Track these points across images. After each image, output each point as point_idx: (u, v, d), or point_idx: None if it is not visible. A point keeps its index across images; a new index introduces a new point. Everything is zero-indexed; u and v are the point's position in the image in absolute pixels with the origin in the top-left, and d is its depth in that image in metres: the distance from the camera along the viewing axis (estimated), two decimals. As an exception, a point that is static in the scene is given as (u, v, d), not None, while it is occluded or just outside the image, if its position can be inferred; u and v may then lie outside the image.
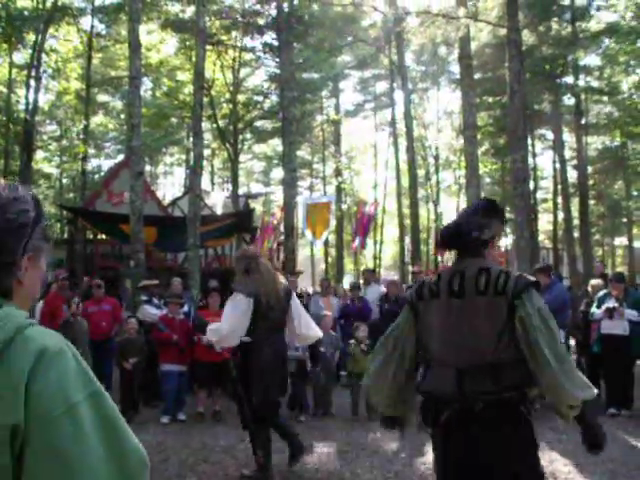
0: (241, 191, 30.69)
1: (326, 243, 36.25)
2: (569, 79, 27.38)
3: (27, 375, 1.10)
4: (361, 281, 14.01)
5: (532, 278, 2.82)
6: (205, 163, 33.59)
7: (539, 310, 2.66)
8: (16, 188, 1.29)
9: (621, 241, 42.11)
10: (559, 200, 31.88)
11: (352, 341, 8.28)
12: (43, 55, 18.66)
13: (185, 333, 8.25)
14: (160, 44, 22.88)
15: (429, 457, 6.15)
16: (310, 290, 19.02)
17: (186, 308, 9.63)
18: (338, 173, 34.82)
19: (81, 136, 21.17)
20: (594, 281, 9.74)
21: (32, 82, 18.40)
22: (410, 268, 22.31)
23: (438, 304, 2.89)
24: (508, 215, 34.42)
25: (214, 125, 23.72)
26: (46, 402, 1.10)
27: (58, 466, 1.07)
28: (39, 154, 22.61)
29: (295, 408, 8.07)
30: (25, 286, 1.27)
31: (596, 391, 2.74)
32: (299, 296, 10.85)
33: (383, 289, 11.82)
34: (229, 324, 5.21)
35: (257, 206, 36.68)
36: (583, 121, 29.58)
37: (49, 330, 1.22)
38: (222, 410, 8.08)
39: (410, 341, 3.01)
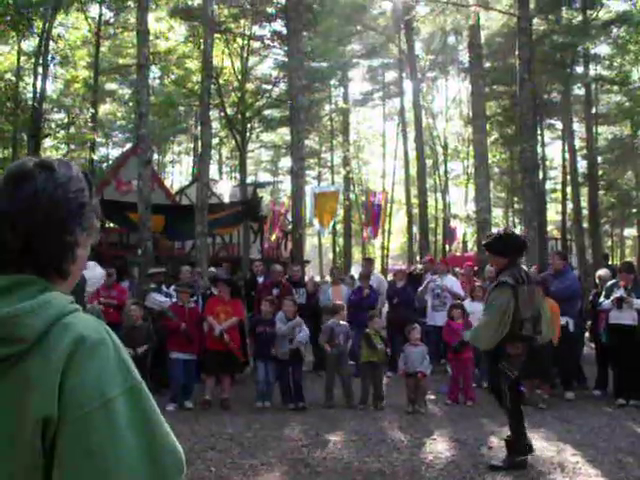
0: (249, 180, 30.67)
1: (334, 232, 36.23)
2: (579, 68, 27.15)
3: (63, 366, 1.05)
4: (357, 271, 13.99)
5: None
6: (213, 152, 33.52)
7: None
8: (69, 165, 1.24)
9: (630, 232, 41.88)
10: (568, 190, 31.72)
11: (368, 330, 8.24)
12: (51, 42, 18.61)
13: (195, 322, 8.26)
14: (168, 32, 22.78)
15: (436, 446, 6.16)
16: (317, 279, 19.00)
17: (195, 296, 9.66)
18: (346, 162, 34.72)
19: (89, 124, 21.15)
20: (601, 271, 9.68)
21: (40, 70, 18.39)
22: (418, 258, 22.24)
23: (527, 288, 5.34)
24: (517, 206, 34.36)
25: (222, 114, 23.60)
26: (80, 396, 1.04)
27: (88, 463, 1.02)
28: (47, 142, 22.59)
29: (287, 395, 8.04)
30: (77, 265, 1.23)
31: None
32: (304, 285, 10.80)
33: (382, 279, 11.79)
34: None
35: (265, 195, 36.69)
36: (593, 111, 29.38)
37: (91, 318, 1.17)
38: (230, 398, 8.09)
39: (512, 310, 5.22)
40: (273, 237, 24.96)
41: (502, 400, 5.50)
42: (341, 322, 8.44)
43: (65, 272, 1.20)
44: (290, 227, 18.89)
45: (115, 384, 1.08)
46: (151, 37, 16.43)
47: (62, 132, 22.10)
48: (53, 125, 21.51)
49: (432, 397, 8.27)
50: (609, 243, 41.61)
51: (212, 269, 12.42)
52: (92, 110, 20.98)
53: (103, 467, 1.03)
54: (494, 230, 5.95)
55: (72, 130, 22.18)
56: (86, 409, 1.04)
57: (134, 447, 1.05)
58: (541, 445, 6.17)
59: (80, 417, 1.04)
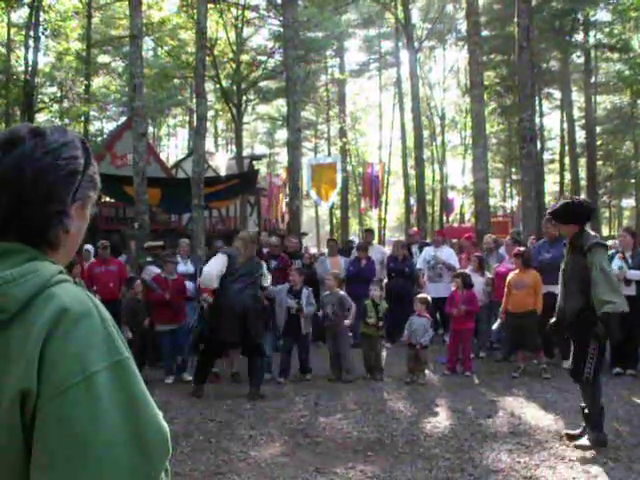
0: (245, 152, 30.48)
1: (331, 204, 36.14)
2: (579, 36, 26.89)
3: (44, 338, 1.01)
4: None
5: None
6: (209, 124, 33.32)
7: None
8: (65, 132, 1.20)
9: (629, 202, 41.86)
10: (566, 161, 31.63)
11: (368, 301, 8.22)
12: (41, 14, 18.31)
13: (178, 293, 8.23)
14: (162, 2, 22.46)
15: (435, 416, 6.19)
16: (314, 250, 18.98)
17: (192, 269, 9.60)
18: (343, 134, 34.53)
19: (83, 97, 20.93)
20: (611, 242, 9.64)
21: (31, 42, 18.13)
22: (415, 230, 22.23)
23: None
24: (514, 176, 34.36)
25: (217, 86, 23.41)
26: (62, 369, 1.01)
27: (68, 438, 0.99)
28: (40, 116, 22.40)
29: (287, 369, 8.02)
30: (71, 236, 1.19)
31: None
32: (301, 256, 10.76)
33: (384, 250, 11.81)
34: (204, 269, 7.28)
35: (261, 167, 36.53)
36: (592, 80, 29.15)
37: (78, 289, 1.12)
38: (239, 372, 8.07)
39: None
40: (278, 213, 24.90)
41: (583, 369, 5.10)
42: (332, 292, 8.31)
43: (52, 242, 1.16)
44: (287, 199, 18.83)
45: (99, 358, 1.04)
46: (144, 7, 16.17)
47: (55, 106, 21.88)
48: (46, 99, 21.29)
49: (430, 367, 8.29)
50: (607, 214, 41.63)
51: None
52: (85, 82, 20.76)
53: (82, 444, 0.99)
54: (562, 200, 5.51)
55: (65, 104, 21.96)
56: (67, 383, 1.00)
57: (116, 424, 1.02)
58: (538, 414, 6.21)
59: (60, 392, 1.00)
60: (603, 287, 4.91)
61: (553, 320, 5.54)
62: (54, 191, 1.13)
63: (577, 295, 5.14)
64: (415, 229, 15.75)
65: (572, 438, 5.31)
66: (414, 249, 11.53)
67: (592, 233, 5.32)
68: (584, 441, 5.11)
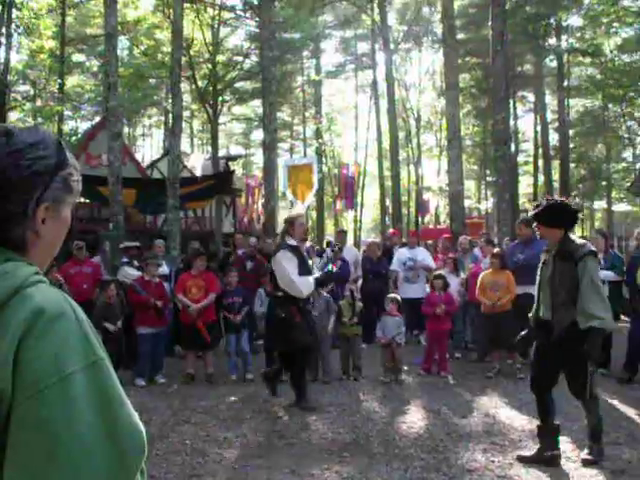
0: (221, 153, 30.33)
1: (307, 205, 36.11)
2: (552, 41, 27.25)
3: (19, 339, 1.01)
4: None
5: None
6: (184, 125, 33.12)
7: None
8: (37, 132, 1.19)
9: (600, 204, 42.43)
10: (540, 163, 32.01)
11: (342, 301, 8.23)
12: (14, 10, 18.03)
13: (161, 295, 8.17)
14: (137, 1, 22.27)
15: (410, 416, 6.22)
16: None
17: (167, 270, 9.54)
18: (319, 135, 34.53)
19: (56, 95, 20.64)
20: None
21: (3, 40, 17.84)
22: (393, 230, 22.34)
23: None
24: (489, 178, 34.64)
25: (193, 86, 23.26)
26: (37, 370, 1.00)
27: (43, 439, 0.98)
28: (13, 115, 22.09)
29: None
30: (43, 238, 1.16)
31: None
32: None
33: (356, 251, 11.79)
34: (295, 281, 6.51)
35: (237, 168, 36.40)
36: (565, 83, 29.55)
37: (55, 290, 1.11)
38: (213, 372, 8.04)
39: None
40: (254, 213, 24.83)
41: (584, 386, 4.79)
42: (320, 295, 8.25)
43: (17, 243, 1.14)
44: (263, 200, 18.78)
45: (75, 359, 1.04)
46: (119, 6, 16.00)
47: (28, 104, 21.56)
48: (19, 97, 20.98)
49: (405, 368, 8.34)
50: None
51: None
52: (59, 81, 20.49)
53: (57, 445, 0.99)
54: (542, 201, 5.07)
55: (39, 102, 21.66)
56: (42, 384, 1.00)
57: (92, 425, 1.01)
58: (513, 413, 6.28)
59: (35, 392, 0.99)
60: (593, 301, 4.62)
61: (523, 333, 5.26)
62: (11, 192, 1.11)
63: (569, 306, 4.76)
64: (392, 230, 15.80)
65: (524, 460, 4.94)
66: (395, 250, 11.49)
67: (580, 240, 5.00)
68: (587, 455, 4.86)
